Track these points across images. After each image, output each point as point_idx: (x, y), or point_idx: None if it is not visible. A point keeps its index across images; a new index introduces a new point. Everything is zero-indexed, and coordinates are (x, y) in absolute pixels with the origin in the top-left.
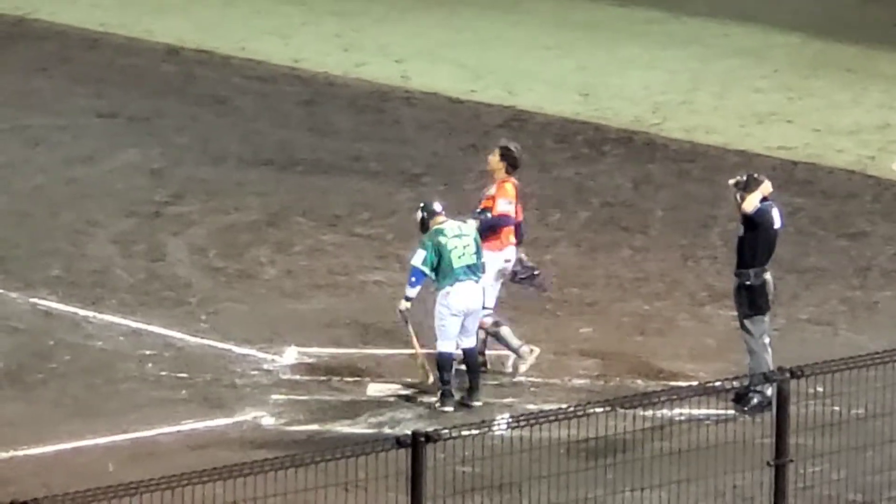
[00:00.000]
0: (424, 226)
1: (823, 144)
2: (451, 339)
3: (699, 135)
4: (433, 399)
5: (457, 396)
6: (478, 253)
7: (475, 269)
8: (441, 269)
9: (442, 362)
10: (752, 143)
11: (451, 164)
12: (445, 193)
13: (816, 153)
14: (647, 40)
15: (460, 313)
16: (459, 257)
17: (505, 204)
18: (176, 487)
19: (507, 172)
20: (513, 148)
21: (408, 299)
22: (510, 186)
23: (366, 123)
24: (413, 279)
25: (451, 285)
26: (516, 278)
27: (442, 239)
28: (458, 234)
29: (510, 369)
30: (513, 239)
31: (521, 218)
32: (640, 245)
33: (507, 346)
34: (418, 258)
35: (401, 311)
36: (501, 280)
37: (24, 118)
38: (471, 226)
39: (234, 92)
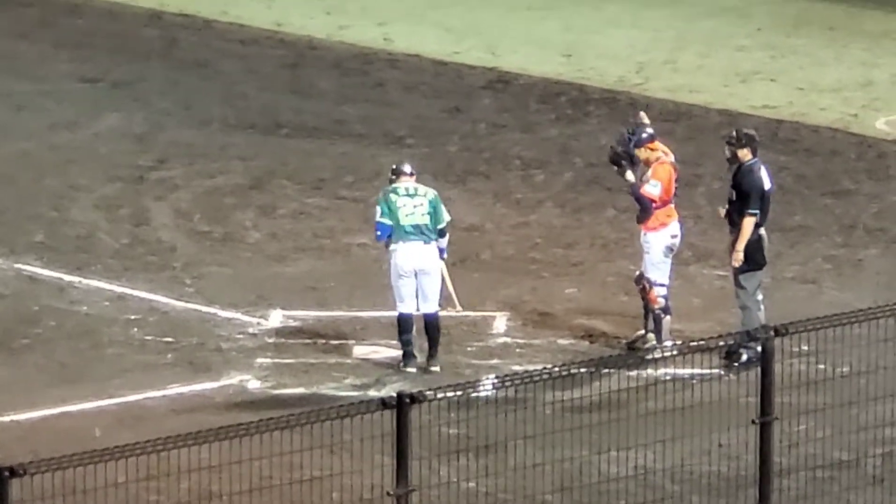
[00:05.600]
0: (391, 183)
1: (807, 103)
2: (407, 301)
3: (683, 94)
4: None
5: (419, 359)
6: (433, 216)
7: (425, 230)
8: (392, 226)
9: (399, 323)
10: (736, 102)
11: (434, 126)
12: (429, 155)
13: (800, 111)
14: (630, 0)
15: (408, 273)
16: (407, 215)
17: (651, 187)
18: (162, 451)
19: (659, 150)
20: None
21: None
22: (667, 168)
23: (349, 86)
24: (378, 233)
25: (397, 244)
26: (615, 155)
27: (392, 196)
28: (410, 194)
29: (633, 341)
30: (674, 214)
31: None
32: (625, 205)
33: (658, 333)
34: (377, 213)
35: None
36: (670, 256)
37: (8, 84)
38: (431, 191)
39: (217, 56)
